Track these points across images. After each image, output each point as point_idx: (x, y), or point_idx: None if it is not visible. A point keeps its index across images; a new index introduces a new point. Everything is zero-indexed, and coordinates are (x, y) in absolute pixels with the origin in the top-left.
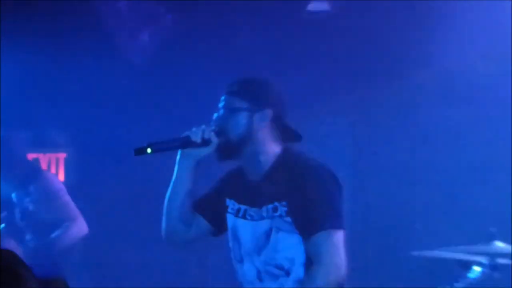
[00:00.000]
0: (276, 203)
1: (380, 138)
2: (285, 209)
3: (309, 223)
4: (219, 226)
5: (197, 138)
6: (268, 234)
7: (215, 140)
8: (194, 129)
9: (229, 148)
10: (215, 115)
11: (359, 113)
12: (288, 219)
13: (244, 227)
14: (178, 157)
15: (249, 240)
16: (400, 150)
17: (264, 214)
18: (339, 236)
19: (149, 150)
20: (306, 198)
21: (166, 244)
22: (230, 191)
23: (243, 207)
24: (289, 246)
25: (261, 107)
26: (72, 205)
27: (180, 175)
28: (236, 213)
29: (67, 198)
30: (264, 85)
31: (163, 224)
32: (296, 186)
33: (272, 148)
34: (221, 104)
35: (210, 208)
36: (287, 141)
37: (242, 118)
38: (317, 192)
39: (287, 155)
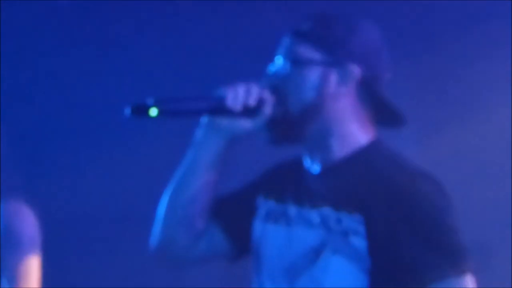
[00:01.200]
0: (343, 213)
1: None
2: (357, 225)
3: (419, 264)
4: (241, 242)
5: (236, 103)
6: (317, 253)
7: (267, 108)
8: (233, 87)
9: (288, 123)
10: (269, 68)
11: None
12: (358, 241)
13: (276, 234)
14: (199, 128)
15: (282, 254)
16: None
17: (316, 220)
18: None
19: (154, 111)
20: (411, 227)
21: (156, 259)
22: (269, 186)
23: (281, 206)
24: (344, 279)
25: (343, 61)
26: None
27: (198, 156)
28: (267, 216)
29: None
30: (352, 27)
31: (157, 229)
32: (387, 201)
33: (353, 131)
34: (279, 52)
35: (234, 213)
36: (380, 124)
37: (312, 76)
38: (432, 222)
39: (376, 150)
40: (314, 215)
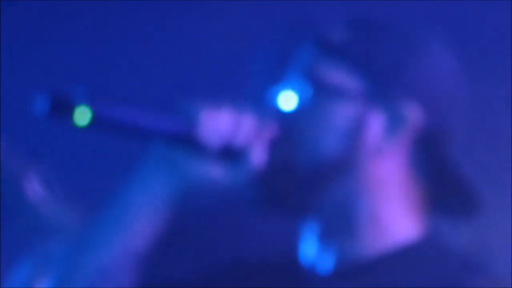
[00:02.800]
0: None
1: None
2: None
3: None
4: None
5: (214, 138)
6: None
7: (260, 155)
8: (213, 112)
9: (289, 182)
10: (274, 91)
11: None
12: None
13: None
14: (146, 160)
15: None
16: None
17: None
18: None
19: (85, 117)
20: None
21: None
22: None
23: None
24: None
25: (396, 98)
26: None
27: (135, 203)
28: None
29: None
30: (415, 47)
31: None
32: None
33: (397, 214)
34: (295, 70)
35: None
36: (440, 207)
37: (343, 115)
38: None
39: (429, 249)
40: None
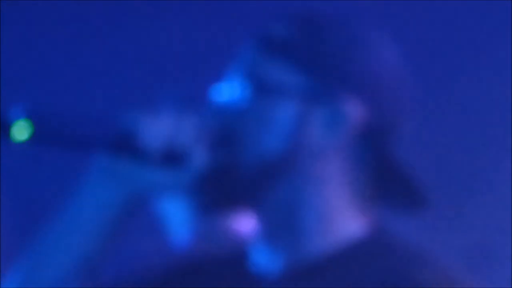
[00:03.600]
0: None
1: None
2: None
3: None
4: None
5: (153, 143)
6: None
7: (201, 157)
8: (151, 116)
9: (233, 182)
10: (214, 92)
11: None
12: None
13: None
14: (89, 172)
15: None
16: None
17: None
18: None
19: (23, 133)
20: None
21: None
22: None
23: None
24: None
25: (337, 94)
26: None
27: (80, 215)
28: None
29: None
30: (356, 40)
31: None
32: None
33: (342, 211)
34: (235, 69)
35: None
36: (386, 201)
37: (285, 113)
38: None
39: (377, 246)
40: None
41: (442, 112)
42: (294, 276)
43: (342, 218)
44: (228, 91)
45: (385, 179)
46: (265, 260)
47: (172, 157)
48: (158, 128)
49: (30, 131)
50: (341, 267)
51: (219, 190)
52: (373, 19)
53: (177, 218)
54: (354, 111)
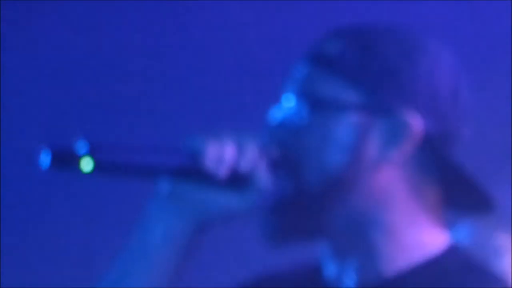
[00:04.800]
0: None
1: None
2: None
3: None
4: None
5: (219, 166)
6: None
7: (266, 178)
8: (215, 140)
9: (300, 204)
10: (273, 114)
11: None
12: None
13: None
14: (154, 199)
15: None
16: None
17: None
18: None
19: (88, 165)
20: None
21: None
22: None
23: None
24: None
25: (395, 107)
26: None
27: (149, 244)
28: None
29: None
30: (412, 52)
31: None
32: None
33: (415, 225)
34: (289, 88)
35: None
36: (456, 209)
37: (344, 129)
38: None
39: (453, 262)
40: None
41: None
42: None
43: (413, 232)
44: (286, 110)
45: (452, 186)
46: (337, 279)
47: (236, 181)
48: (222, 152)
49: (93, 164)
50: (414, 284)
51: (285, 212)
52: (426, 26)
53: None
54: (414, 121)
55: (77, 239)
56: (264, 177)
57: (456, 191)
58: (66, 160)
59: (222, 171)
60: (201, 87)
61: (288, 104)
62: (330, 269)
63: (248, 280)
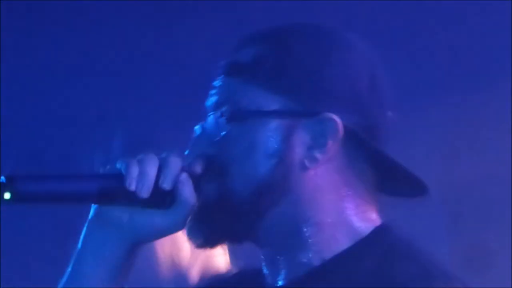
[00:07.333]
0: None
1: None
2: None
3: None
4: None
5: (141, 185)
6: None
7: (191, 192)
8: (135, 159)
9: (229, 214)
10: (197, 127)
11: None
12: None
13: None
14: (86, 223)
15: None
16: None
17: None
18: None
19: (6, 195)
20: None
21: None
22: None
23: None
24: None
25: (315, 108)
26: None
27: (83, 267)
28: None
29: None
30: (327, 49)
31: None
32: None
33: (345, 214)
34: (210, 100)
35: None
36: (388, 194)
37: (267, 136)
38: None
39: (378, 244)
40: None
41: (443, 112)
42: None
43: (342, 222)
44: (207, 123)
45: (382, 174)
46: (271, 279)
47: (160, 198)
48: (143, 171)
49: (12, 192)
50: (337, 267)
51: (214, 223)
52: (342, 22)
53: None
54: (336, 118)
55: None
56: (187, 192)
57: (385, 178)
58: None
59: (145, 191)
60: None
61: (208, 116)
62: (265, 271)
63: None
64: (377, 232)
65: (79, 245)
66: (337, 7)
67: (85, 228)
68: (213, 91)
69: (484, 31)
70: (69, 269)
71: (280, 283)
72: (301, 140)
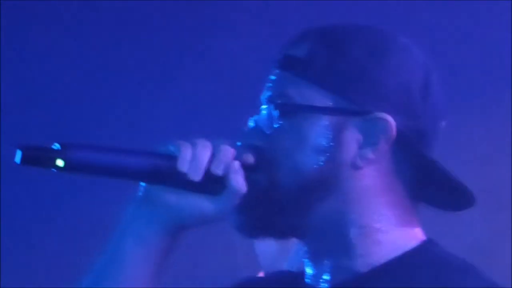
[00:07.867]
0: None
1: None
2: None
3: None
4: None
5: (194, 168)
6: None
7: (241, 180)
8: (189, 143)
9: (275, 205)
10: (248, 119)
11: None
12: None
13: None
14: (129, 203)
15: None
16: None
17: None
18: None
19: (59, 162)
20: None
21: None
22: None
23: None
24: None
25: (368, 108)
26: None
27: (124, 248)
28: None
29: None
30: (381, 51)
31: None
32: None
33: (389, 223)
34: (263, 94)
35: None
36: (432, 205)
37: (317, 132)
38: None
39: (425, 258)
40: None
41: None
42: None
43: (387, 229)
44: (259, 116)
45: (427, 182)
46: (314, 280)
47: (211, 184)
48: (197, 154)
49: (65, 161)
50: (388, 281)
51: (260, 213)
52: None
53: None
54: (387, 119)
55: (77, 239)
56: (238, 180)
57: (431, 187)
58: (37, 156)
59: (196, 174)
60: (177, 90)
61: (261, 109)
62: (308, 271)
63: (230, 284)
64: (426, 244)
65: (121, 223)
66: (337, 8)
67: (128, 207)
68: (268, 85)
69: None
70: (108, 246)
71: (324, 285)
72: (352, 138)
